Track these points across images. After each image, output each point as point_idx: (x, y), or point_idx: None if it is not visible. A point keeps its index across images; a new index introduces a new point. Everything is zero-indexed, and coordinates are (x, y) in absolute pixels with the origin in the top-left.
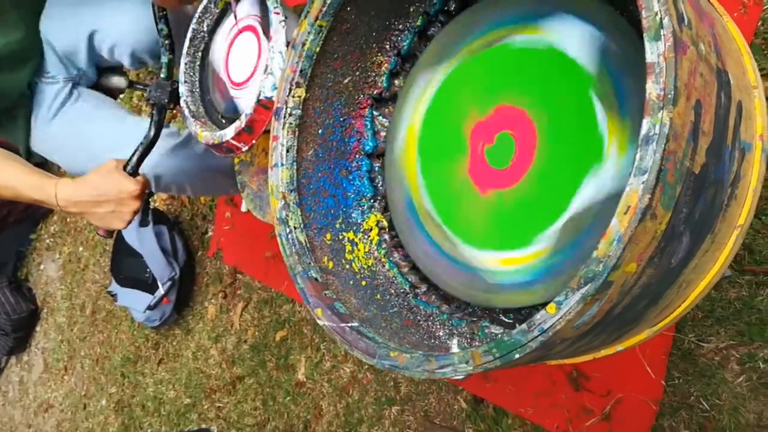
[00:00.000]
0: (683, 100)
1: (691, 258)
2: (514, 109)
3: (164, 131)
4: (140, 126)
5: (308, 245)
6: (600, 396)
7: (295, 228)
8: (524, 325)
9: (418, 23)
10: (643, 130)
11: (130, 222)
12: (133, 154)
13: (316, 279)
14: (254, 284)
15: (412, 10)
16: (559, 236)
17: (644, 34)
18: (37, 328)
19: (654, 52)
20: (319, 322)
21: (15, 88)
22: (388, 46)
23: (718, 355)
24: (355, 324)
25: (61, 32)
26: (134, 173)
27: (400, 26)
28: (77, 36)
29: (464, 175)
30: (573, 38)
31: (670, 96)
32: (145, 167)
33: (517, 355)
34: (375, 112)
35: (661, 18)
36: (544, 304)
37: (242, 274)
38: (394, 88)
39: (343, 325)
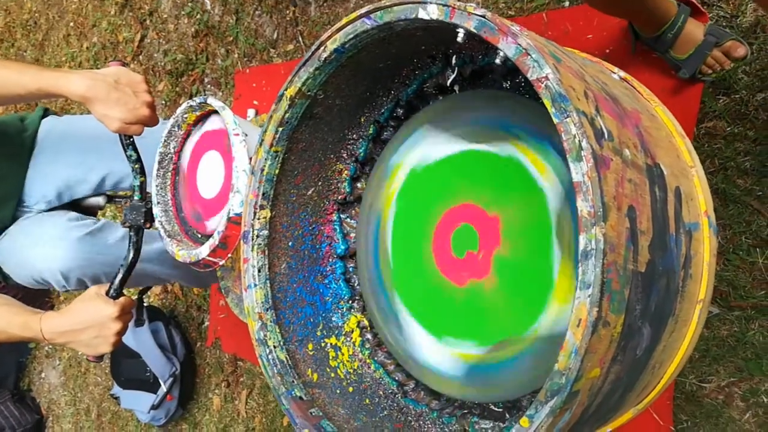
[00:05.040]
0: (614, 213)
1: (657, 343)
2: (467, 206)
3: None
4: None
5: (290, 362)
6: None
7: (274, 347)
8: None
9: (370, 131)
10: (581, 246)
11: (116, 343)
12: (114, 278)
13: (300, 398)
14: (256, 370)
15: (363, 120)
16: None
17: (567, 156)
18: None
19: (578, 172)
20: None
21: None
22: (345, 155)
23: (721, 394)
24: None
25: (66, 170)
26: (117, 296)
27: (354, 136)
28: (86, 175)
29: (435, 270)
30: (492, 131)
31: (599, 213)
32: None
33: None
34: (342, 215)
35: (579, 140)
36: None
37: (243, 360)
38: (357, 190)
39: None
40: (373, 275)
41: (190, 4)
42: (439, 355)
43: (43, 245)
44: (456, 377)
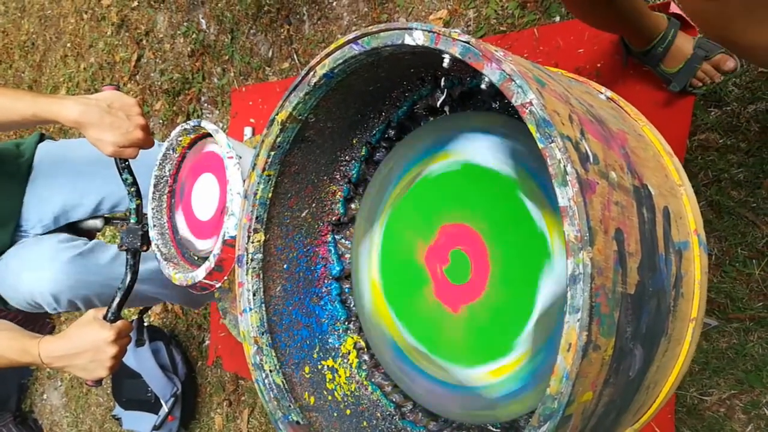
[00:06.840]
0: (601, 236)
1: (650, 363)
2: (456, 227)
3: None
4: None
5: (286, 386)
6: None
7: (270, 371)
8: None
9: (363, 153)
10: (569, 271)
11: (113, 368)
12: (111, 301)
13: (297, 422)
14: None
15: (355, 141)
16: (534, 336)
17: (553, 181)
18: None
19: (564, 196)
20: None
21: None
22: (338, 176)
23: (722, 407)
24: None
25: (62, 195)
26: (115, 319)
27: (347, 157)
28: (81, 199)
29: (433, 300)
30: (481, 150)
31: (586, 238)
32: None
33: None
34: (337, 236)
35: (564, 165)
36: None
37: (244, 379)
38: (351, 211)
39: None
40: (368, 295)
41: (185, 23)
42: (503, 378)
43: (33, 268)
44: (452, 398)
